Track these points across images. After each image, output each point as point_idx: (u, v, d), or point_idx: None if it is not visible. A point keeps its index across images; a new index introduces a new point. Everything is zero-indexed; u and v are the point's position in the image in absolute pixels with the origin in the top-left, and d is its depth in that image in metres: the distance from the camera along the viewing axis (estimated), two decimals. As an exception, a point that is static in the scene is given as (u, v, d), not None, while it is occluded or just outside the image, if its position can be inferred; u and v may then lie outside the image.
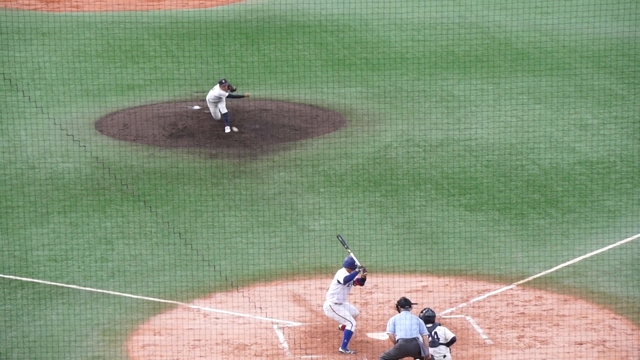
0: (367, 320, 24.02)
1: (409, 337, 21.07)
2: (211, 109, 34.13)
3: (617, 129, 33.60)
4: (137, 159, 31.62)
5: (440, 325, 21.74)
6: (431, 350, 21.42)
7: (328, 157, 32.60)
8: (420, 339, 21.12)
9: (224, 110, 33.72)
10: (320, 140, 33.74)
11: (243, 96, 33.18)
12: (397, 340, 21.14)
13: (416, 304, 21.69)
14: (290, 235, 27.63)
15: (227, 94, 33.24)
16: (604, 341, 23.15)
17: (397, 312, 21.81)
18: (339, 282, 22.48)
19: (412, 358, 21.82)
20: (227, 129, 33.85)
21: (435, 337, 21.34)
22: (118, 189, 30.29)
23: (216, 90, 33.00)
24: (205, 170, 31.46)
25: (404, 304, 21.41)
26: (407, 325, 21.19)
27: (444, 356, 21.45)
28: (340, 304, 21.54)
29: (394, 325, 21.52)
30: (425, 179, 30.64)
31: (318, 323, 23.82)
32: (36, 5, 47.43)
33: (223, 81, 32.74)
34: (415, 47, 41.96)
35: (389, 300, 24.50)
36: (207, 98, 34.64)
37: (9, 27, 43.62)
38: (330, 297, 22.44)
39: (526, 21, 45.38)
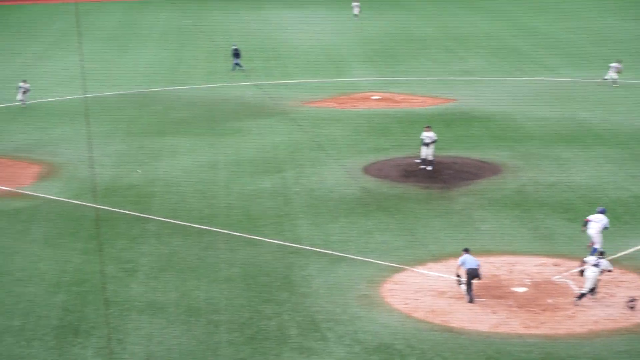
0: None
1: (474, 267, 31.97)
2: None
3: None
4: (386, 189, 45.21)
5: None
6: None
7: (489, 190, 44.58)
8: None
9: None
10: (485, 180, 46.13)
11: None
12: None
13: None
14: (467, 232, 39.10)
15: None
16: None
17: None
18: None
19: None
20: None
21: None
22: (376, 204, 42.22)
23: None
24: (424, 195, 44.09)
25: (465, 249, 32.73)
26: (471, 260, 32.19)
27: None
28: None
29: (463, 261, 32.19)
30: (543, 203, 42.34)
31: (486, 281, 35.06)
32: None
33: None
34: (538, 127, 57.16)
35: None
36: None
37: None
38: None
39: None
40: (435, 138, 47.64)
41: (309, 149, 52.23)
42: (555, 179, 46.56)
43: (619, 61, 68.05)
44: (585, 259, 32.49)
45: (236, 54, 77.57)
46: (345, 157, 50.81)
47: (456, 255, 35.87)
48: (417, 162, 48.47)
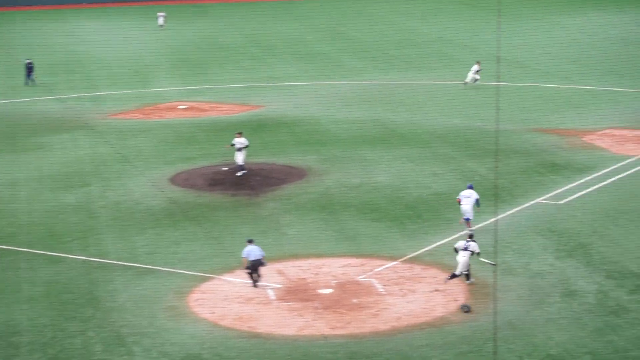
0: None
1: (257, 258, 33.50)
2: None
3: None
4: (193, 198, 44.82)
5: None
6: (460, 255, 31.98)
7: (295, 194, 44.74)
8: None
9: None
10: (291, 185, 46.35)
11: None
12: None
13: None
14: (275, 237, 39.03)
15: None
16: (445, 289, 33.16)
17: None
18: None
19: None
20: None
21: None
22: (183, 214, 42.03)
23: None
24: (231, 203, 43.91)
25: (249, 240, 34.13)
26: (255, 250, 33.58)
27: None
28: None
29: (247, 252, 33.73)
30: (348, 205, 42.86)
31: (292, 285, 34.25)
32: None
33: None
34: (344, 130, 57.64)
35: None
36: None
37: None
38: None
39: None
40: (247, 143, 48.20)
41: (114, 161, 51.60)
42: (360, 180, 47.29)
43: (478, 62, 69.01)
44: (455, 245, 33.74)
45: (29, 68, 75.61)
46: (151, 168, 50.41)
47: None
48: (225, 170, 48.76)
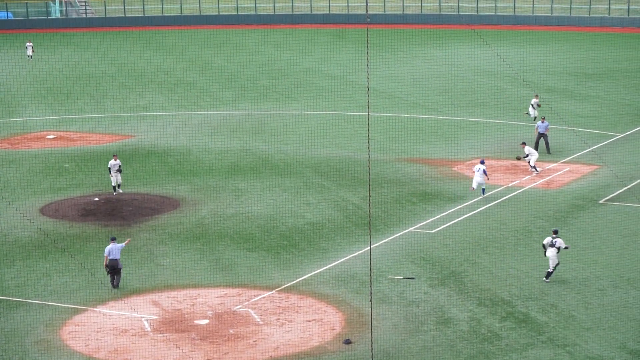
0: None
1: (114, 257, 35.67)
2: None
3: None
4: (65, 229, 44.21)
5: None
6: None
7: (169, 224, 44.57)
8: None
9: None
10: (165, 215, 46.31)
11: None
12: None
13: None
14: (149, 268, 38.82)
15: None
16: (321, 319, 33.65)
17: None
18: None
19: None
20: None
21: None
22: (54, 245, 40.66)
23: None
24: (104, 233, 43.15)
25: (112, 238, 36.43)
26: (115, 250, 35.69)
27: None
28: None
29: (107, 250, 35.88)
30: (223, 235, 42.81)
31: (168, 316, 34.60)
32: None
33: None
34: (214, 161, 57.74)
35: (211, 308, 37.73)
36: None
37: None
38: None
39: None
40: (120, 164, 50.03)
41: (-19, 192, 50.23)
42: (234, 210, 47.29)
43: (536, 95, 66.40)
44: (543, 242, 36.95)
45: None
46: (20, 199, 49.41)
47: (138, 292, 35.80)
48: (96, 200, 48.54)
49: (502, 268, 38.67)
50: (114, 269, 36.27)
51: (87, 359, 31.07)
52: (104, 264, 36.51)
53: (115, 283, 36.51)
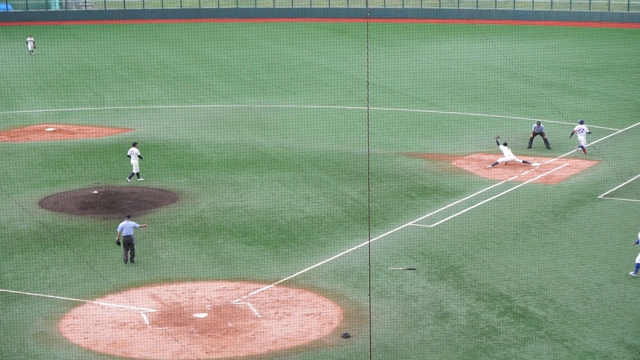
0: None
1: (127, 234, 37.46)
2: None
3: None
4: (64, 222, 44.21)
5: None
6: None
7: (168, 218, 44.58)
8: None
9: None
10: (164, 208, 46.27)
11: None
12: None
13: None
14: (148, 261, 38.83)
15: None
16: (319, 313, 33.50)
17: None
18: None
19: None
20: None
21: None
22: (53, 238, 40.71)
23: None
24: (103, 226, 43.29)
25: (127, 216, 38.55)
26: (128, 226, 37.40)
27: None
28: None
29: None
30: (222, 228, 42.78)
31: (166, 309, 34.54)
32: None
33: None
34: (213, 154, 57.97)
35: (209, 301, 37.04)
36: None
37: None
38: None
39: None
40: (140, 153, 51.12)
41: (-21, 185, 50.15)
42: (232, 203, 47.13)
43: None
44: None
45: None
46: (19, 192, 49.26)
47: (137, 285, 35.77)
48: (95, 193, 48.40)
49: (500, 263, 38.63)
50: (128, 244, 37.81)
51: (85, 352, 31.05)
52: (116, 239, 38.58)
53: (130, 257, 38.15)
